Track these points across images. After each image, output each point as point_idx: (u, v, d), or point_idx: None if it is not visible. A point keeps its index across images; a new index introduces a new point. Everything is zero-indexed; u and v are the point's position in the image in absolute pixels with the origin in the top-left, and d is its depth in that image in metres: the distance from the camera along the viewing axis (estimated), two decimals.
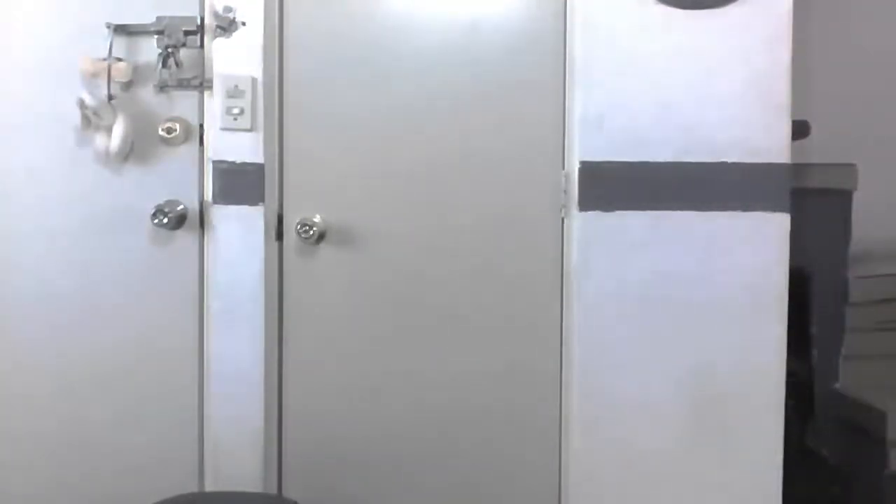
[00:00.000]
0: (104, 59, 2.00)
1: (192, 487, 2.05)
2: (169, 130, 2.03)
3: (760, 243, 1.93)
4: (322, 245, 2.06)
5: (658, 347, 1.95)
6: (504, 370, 2.04)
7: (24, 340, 2.10)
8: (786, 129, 1.92)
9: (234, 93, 2.00)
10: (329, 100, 2.06)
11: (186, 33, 2.00)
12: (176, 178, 2.05)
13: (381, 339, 2.06)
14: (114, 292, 2.07)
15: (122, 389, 2.08)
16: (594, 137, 1.94)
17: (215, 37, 2.02)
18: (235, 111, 2.01)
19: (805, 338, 2.44)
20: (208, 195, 2.04)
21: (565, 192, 1.98)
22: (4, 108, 2.08)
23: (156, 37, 2.01)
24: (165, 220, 1.99)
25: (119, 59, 2.02)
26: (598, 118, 1.94)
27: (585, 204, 1.95)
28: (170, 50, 2.00)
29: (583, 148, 1.95)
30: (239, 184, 2.03)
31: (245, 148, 2.02)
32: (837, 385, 2.46)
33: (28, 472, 2.11)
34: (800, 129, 2.14)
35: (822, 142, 2.51)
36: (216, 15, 2.01)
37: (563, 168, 1.99)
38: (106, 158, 2.03)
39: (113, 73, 2.00)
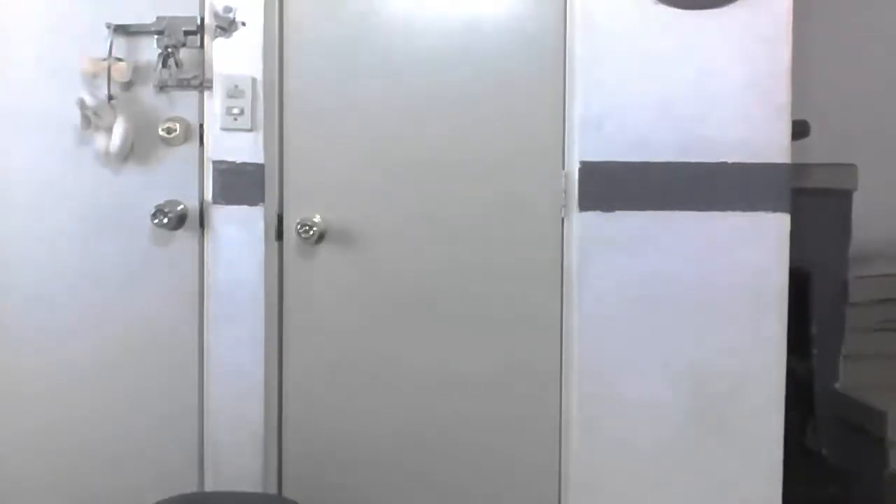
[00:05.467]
0: (104, 59, 2.00)
1: (192, 487, 2.05)
2: (169, 130, 2.03)
3: (760, 243, 1.93)
4: (322, 245, 2.06)
5: (658, 347, 1.95)
6: (504, 370, 2.04)
7: (24, 340, 2.10)
8: (786, 129, 1.92)
9: (234, 93, 2.00)
10: (329, 100, 2.06)
11: (186, 33, 2.00)
12: (176, 178, 2.05)
13: (381, 339, 2.06)
14: (114, 292, 2.07)
15: (121, 389, 2.08)
16: (594, 137, 1.94)
17: (215, 37, 2.02)
18: (235, 111, 2.01)
19: (805, 338, 2.44)
20: (208, 195, 2.04)
21: (565, 192, 1.98)
22: (4, 108, 2.08)
23: (156, 37, 2.01)
24: (165, 220, 1.98)
25: (119, 59, 2.02)
26: (598, 118, 1.94)
27: (585, 204, 1.95)
28: (170, 50, 2.00)
29: (583, 148, 1.95)
30: (239, 184, 2.03)
31: (245, 148, 2.02)
32: (837, 385, 2.46)
33: (28, 471, 2.11)
34: (800, 129, 2.14)
35: (822, 142, 2.51)
36: (216, 15, 2.01)
37: (563, 168, 1.99)
38: (106, 158, 2.03)
39: (113, 73, 2.00)
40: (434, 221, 2.05)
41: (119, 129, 2.00)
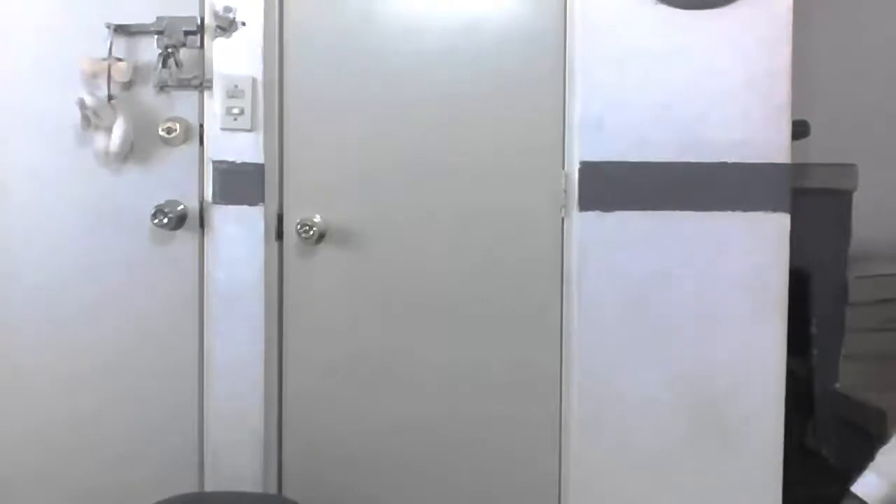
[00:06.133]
0: (104, 59, 2.00)
1: (192, 487, 2.05)
2: (169, 130, 2.03)
3: (760, 243, 1.93)
4: (322, 245, 2.06)
5: (658, 347, 1.95)
6: (504, 370, 2.04)
7: (24, 340, 2.10)
8: (786, 129, 1.92)
9: (234, 93, 2.00)
10: (329, 100, 2.06)
11: (186, 33, 2.00)
12: (176, 178, 2.05)
13: (381, 339, 2.06)
14: (114, 292, 2.07)
15: (121, 389, 2.08)
16: (594, 137, 1.94)
17: (215, 37, 2.02)
18: (235, 111, 2.01)
19: (805, 338, 2.44)
20: (208, 195, 2.04)
21: (565, 192, 1.98)
22: (5, 107, 2.08)
23: (156, 37, 2.01)
24: (165, 220, 1.99)
25: (119, 59, 2.02)
26: (598, 118, 1.94)
27: (585, 204, 1.95)
28: (170, 50, 2.00)
29: (583, 148, 1.95)
30: (239, 184, 2.03)
31: (245, 148, 2.02)
32: (837, 385, 2.46)
33: (28, 470, 2.11)
34: (800, 129, 2.14)
35: (822, 142, 2.51)
36: (216, 15, 2.01)
37: (563, 168, 1.99)
38: (106, 158, 2.03)
39: (113, 73, 2.01)
40: (434, 221, 2.05)
41: (119, 129, 2.00)
